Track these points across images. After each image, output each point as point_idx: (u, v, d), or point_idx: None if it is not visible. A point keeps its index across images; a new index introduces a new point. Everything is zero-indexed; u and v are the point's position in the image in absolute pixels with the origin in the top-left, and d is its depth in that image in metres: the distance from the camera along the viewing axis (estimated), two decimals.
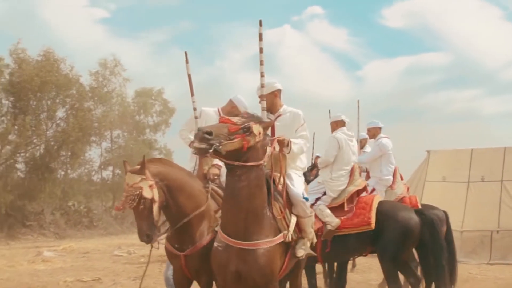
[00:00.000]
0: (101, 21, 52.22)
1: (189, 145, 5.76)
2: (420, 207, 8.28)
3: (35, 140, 26.57)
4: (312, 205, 6.98)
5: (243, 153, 4.63)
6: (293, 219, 5.18)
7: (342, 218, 7.09)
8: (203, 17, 51.83)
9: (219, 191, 5.99)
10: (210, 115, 6.54)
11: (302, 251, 5.31)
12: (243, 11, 50.32)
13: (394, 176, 8.81)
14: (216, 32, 51.21)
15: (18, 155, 26.33)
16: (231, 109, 6.50)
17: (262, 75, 5.46)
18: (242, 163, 4.66)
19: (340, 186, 7.36)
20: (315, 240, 5.68)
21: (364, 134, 10.37)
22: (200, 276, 5.76)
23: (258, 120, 4.81)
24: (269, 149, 4.99)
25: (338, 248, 7.07)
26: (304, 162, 5.74)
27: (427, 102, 47.52)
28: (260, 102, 5.54)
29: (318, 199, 7.24)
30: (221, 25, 50.59)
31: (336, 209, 7.21)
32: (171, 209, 5.54)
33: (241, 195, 4.75)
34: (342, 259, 7.95)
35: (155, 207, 5.25)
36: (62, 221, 26.51)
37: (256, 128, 4.66)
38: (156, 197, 5.24)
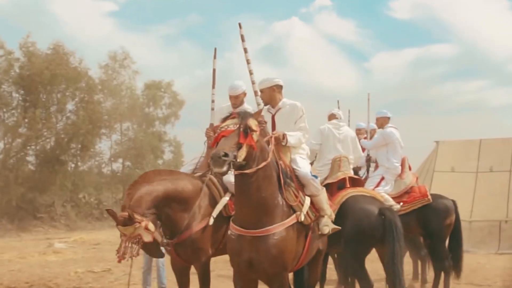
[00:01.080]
0: (110, 14, 52.39)
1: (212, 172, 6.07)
2: (429, 196, 8.38)
3: (45, 133, 26.74)
4: None
5: (253, 153, 4.74)
6: (307, 200, 5.32)
7: None
8: (211, 10, 51.80)
9: (215, 181, 6.23)
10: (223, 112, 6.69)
11: (326, 228, 5.53)
12: (251, 3, 50.29)
13: (402, 165, 8.81)
14: (224, 25, 51.20)
15: (28, 148, 26.55)
16: (234, 102, 6.72)
17: (251, 73, 5.74)
18: (256, 168, 4.78)
19: (321, 177, 6.88)
20: (333, 216, 5.81)
21: (373, 125, 10.36)
22: (193, 263, 6.10)
23: (250, 114, 4.92)
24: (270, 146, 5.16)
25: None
26: (306, 149, 5.90)
27: (435, 94, 47.43)
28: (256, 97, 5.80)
29: None
30: (230, 18, 50.48)
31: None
32: (161, 216, 5.91)
33: (250, 189, 4.85)
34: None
35: (156, 235, 5.67)
36: (73, 213, 26.71)
37: (254, 123, 4.78)
38: (153, 229, 5.55)
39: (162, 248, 5.99)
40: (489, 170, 14.65)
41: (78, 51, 27.40)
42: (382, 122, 9.24)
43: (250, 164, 4.75)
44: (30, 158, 27.34)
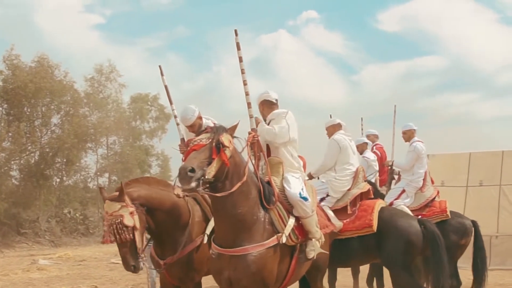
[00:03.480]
0: (96, 27, 52.17)
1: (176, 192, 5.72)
2: (448, 213, 8.27)
3: (29, 147, 26.39)
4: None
5: (225, 169, 4.63)
6: (291, 221, 5.11)
7: (345, 221, 6.98)
8: (198, 22, 51.81)
9: (206, 197, 5.90)
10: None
11: (312, 253, 5.34)
12: (238, 16, 50.31)
13: (424, 179, 8.72)
14: (212, 37, 51.20)
15: (12, 162, 26.15)
16: (191, 131, 6.29)
17: (244, 83, 5.49)
18: (228, 192, 4.68)
19: (343, 187, 7.24)
20: (323, 240, 5.60)
21: (363, 139, 10.27)
22: (186, 283, 5.82)
23: (224, 129, 4.78)
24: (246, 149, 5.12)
25: (339, 253, 6.85)
26: (299, 161, 5.68)
27: (423, 106, 47.50)
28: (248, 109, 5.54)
29: (322, 199, 7.12)
30: (217, 30, 50.50)
31: (339, 212, 7.09)
32: (153, 228, 5.59)
33: (225, 206, 4.77)
34: (343, 265, 7.84)
35: (138, 234, 5.20)
36: (58, 228, 26.29)
37: (226, 138, 4.66)
38: (138, 224, 5.19)
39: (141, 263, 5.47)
40: (479, 184, 14.50)
41: (64, 64, 27.14)
42: (410, 135, 9.17)
43: (223, 181, 4.67)
44: (14, 173, 27.01)
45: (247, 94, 5.44)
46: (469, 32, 49.58)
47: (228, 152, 4.60)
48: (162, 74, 6.78)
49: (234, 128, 4.90)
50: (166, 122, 34.08)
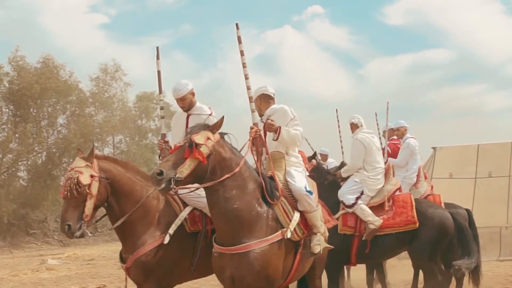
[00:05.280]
0: (102, 27, 52.14)
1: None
2: (443, 206, 8.15)
3: (36, 148, 26.46)
4: (354, 204, 7.07)
5: (206, 166, 4.59)
6: (296, 216, 5.02)
7: (383, 217, 7.11)
8: (203, 20, 51.63)
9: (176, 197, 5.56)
10: (179, 119, 6.14)
11: (318, 247, 5.23)
12: (243, 13, 50.16)
13: (418, 175, 8.73)
14: (217, 35, 51.08)
15: (19, 163, 26.27)
16: (181, 105, 5.96)
17: (246, 77, 5.39)
18: (217, 181, 4.65)
19: (377, 185, 7.33)
20: (327, 234, 5.55)
21: (325, 149, 10.27)
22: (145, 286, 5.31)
23: (201, 128, 4.73)
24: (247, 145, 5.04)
25: (376, 249, 7.07)
26: (299, 157, 5.59)
27: (431, 99, 47.31)
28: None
29: (358, 198, 7.18)
30: (222, 27, 50.36)
31: (375, 209, 7.18)
32: (115, 212, 5.26)
33: (218, 202, 4.73)
34: (378, 261, 7.95)
35: (90, 202, 4.95)
36: None
37: (200, 137, 4.59)
38: (94, 191, 4.97)
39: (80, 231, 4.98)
40: (488, 175, 14.42)
41: (69, 65, 27.30)
42: (403, 132, 9.25)
43: (211, 178, 4.65)
44: (22, 174, 27.12)
45: (248, 88, 5.36)
46: (475, 23, 49.29)
47: (205, 150, 4.55)
48: (157, 58, 6.23)
49: (217, 124, 4.83)
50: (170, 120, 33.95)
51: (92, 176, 4.96)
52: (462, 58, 48.48)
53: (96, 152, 5.28)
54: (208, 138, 4.65)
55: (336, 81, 49.47)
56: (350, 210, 7.11)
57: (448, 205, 8.26)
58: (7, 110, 25.80)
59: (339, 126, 9.47)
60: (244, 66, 5.41)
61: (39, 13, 43.52)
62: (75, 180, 4.87)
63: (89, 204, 4.94)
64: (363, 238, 7.01)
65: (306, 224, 5.13)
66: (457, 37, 51.67)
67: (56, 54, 28.48)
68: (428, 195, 8.55)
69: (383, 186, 7.35)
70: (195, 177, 4.58)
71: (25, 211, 25.21)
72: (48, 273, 14.05)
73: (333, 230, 6.74)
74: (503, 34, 48.16)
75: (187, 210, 5.55)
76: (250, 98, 5.39)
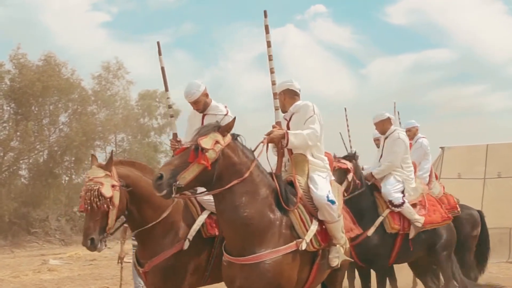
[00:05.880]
0: (103, 25, 52.09)
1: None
2: (459, 208, 8.15)
3: (38, 146, 26.32)
4: (402, 203, 6.96)
5: (212, 172, 4.25)
6: (313, 226, 4.67)
7: (420, 215, 7.13)
8: (205, 18, 51.51)
9: (193, 198, 5.32)
10: (194, 118, 5.85)
11: (336, 260, 4.88)
12: (245, 11, 50.02)
13: (430, 175, 8.56)
14: (218, 34, 50.91)
15: (21, 161, 26.12)
16: (196, 108, 5.73)
17: (272, 71, 5.02)
18: (223, 188, 4.31)
19: (413, 184, 7.35)
20: (347, 246, 5.19)
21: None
22: None
23: (211, 129, 4.39)
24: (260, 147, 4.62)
25: (415, 247, 7.09)
26: (325, 160, 5.16)
27: (432, 99, 47.18)
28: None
29: (403, 197, 7.10)
30: (224, 26, 50.21)
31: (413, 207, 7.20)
32: (136, 221, 5.00)
33: (226, 210, 4.40)
34: (411, 260, 7.70)
35: (112, 213, 4.65)
36: (68, 227, 26.17)
37: (208, 141, 4.26)
38: (116, 201, 4.67)
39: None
40: (497, 175, 14.18)
41: (70, 63, 27.00)
42: (414, 132, 9.09)
43: (218, 184, 4.31)
44: (23, 172, 27.03)
45: (273, 83, 4.98)
46: (477, 23, 49.28)
47: (211, 155, 4.21)
48: (159, 53, 5.97)
49: (228, 126, 4.47)
50: (175, 118, 33.79)
51: (113, 186, 4.67)
52: (464, 58, 48.44)
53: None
54: (217, 142, 4.31)
55: (338, 81, 49.29)
56: (398, 210, 6.98)
57: (461, 207, 8.18)
58: (9, 108, 25.67)
59: (348, 126, 9.24)
60: (270, 58, 5.03)
61: (40, 11, 43.36)
62: (96, 192, 4.56)
63: (112, 216, 4.65)
64: (410, 237, 6.96)
65: (325, 235, 4.79)
66: (459, 37, 51.68)
67: (57, 52, 28.12)
68: (441, 197, 8.34)
69: (416, 185, 7.38)
70: (200, 182, 4.27)
71: (27, 210, 25.07)
72: (49, 274, 13.86)
73: (381, 230, 6.87)
74: (504, 34, 48.21)
75: (205, 214, 5.32)
76: (275, 94, 5.00)
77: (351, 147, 9.05)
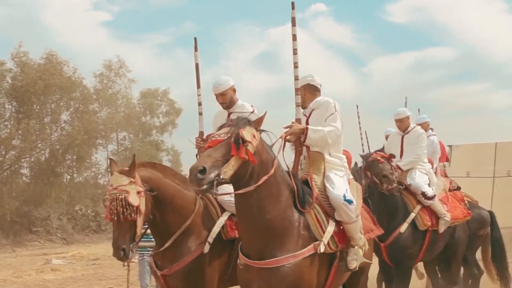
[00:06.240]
0: (104, 24, 52.04)
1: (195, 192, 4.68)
2: (466, 202, 8.03)
3: (39, 145, 26.15)
4: (434, 196, 6.91)
5: (247, 167, 4.01)
6: (330, 227, 4.48)
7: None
8: (206, 17, 51.39)
9: (212, 198, 5.17)
10: (220, 117, 5.55)
11: (354, 262, 4.67)
12: (246, 11, 49.93)
13: (435, 172, 8.38)
14: (219, 33, 50.78)
15: (22, 160, 25.94)
16: (221, 100, 5.57)
17: (295, 66, 4.86)
18: (253, 186, 4.05)
19: (435, 179, 7.37)
20: (367, 247, 4.95)
21: (392, 130, 9.82)
22: None
23: (247, 122, 4.17)
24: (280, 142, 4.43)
25: (440, 243, 7.16)
26: (343, 158, 4.96)
27: (434, 97, 46.99)
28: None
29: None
30: (225, 26, 50.09)
31: None
32: (158, 224, 4.80)
33: (251, 211, 4.16)
34: (432, 257, 7.60)
35: (140, 220, 4.46)
36: (70, 226, 26.02)
37: (248, 133, 4.04)
38: (143, 208, 4.47)
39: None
40: (507, 174, 13.99)
41: (71, 61, 26.82)
42: (425, 128, 8.90)
43: (247, 182, 4.05)
44: (25, 171, 26.89)
45: (296, 78, 4.83)
46: (479, 22, 49.27)
47: (251, 148, 3.99)
48: (195, 49, 5.85)
49: (259, 120, 4.27)
50: (176, 117, 33.75)
51: (138, 193, 4.44)
52: (466, 56, 48.39)
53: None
54: (254, 136, 4.08)
55: (339, 79, 49.02)
56: (430, 202, 6.90)
57: (471, 206, 8.06)
58: (10, 106, 25.48)
59: (359, 123, 9.12)
60: (294, 52, 4.91)
61: (41, 10, 43.28)
62: (123, 202, 4.33)
63: (140, 223, 4.46)
64: (440, 232, 6.94)
65: (342, 236, 4.60)
66: (460, 35, 51.68)
67: (58, 51, 27.98)
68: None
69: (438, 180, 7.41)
70: (234, 179, 3.98)
71: (28, 209, 24.90)
72: (52, 274, 13.68)
73: (412, 227, 6.76)
74: (506, 33, 48.31)
75: (225, 216, 5.13)
76: (297, 89, 4.82)
77: (362, 144, 8.93)
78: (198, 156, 5.44)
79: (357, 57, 53.49)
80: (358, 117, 9.18)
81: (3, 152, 25.06)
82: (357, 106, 9.23)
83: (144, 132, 32.91)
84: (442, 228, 6.90)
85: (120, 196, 4.34)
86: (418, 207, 6.86)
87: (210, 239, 4.96)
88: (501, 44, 48.25)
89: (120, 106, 30.48)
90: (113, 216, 4.33)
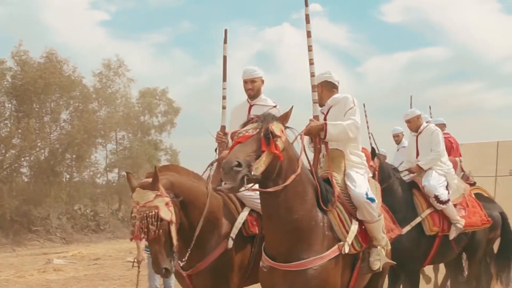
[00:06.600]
0: (102, 24, 51.94)
1: (216, 190, 4.54)
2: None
3: (39, 144, 26.01)
4: (448, 200, 6.68)
5: (276, 164, 3.90)
6: (353, 227, 4.40)
7: (460, 216, 6.86)
8: (203, 17, 51.38)
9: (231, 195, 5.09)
10: (238, 111, 5.59)
11: (377, 263, 4.58)
12: (243, 10, 49.88)
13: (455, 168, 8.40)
14: (216, 32, 50.79)
15: (22, 159, 25.79)
16: (250, 87, 5.50)
17: (311, 63, 4.81)
18: (283, 185, 3.94)
19: (455, 180, 7.13)
20: (389, 247, 4.92)
21: (399, 128, 9.81)
22: None
23: (274, 117, 4.04)
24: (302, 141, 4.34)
25: (450, 249, 6.91)
26: (362, 156, 4.89)
27: (428, 97, 46.98)
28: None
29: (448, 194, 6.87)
30: (221, 25, 50.04)
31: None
32: (184, 226, 4.67)
33: (278, 211, 4.06)
34: (445, 261, 7.62)
35: (173, 230, 4.34)
36: (69, 225, 25.92)
37: (277, 127, 3.93)
38: (174, 218, 4.35)
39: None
40: (509, 173, 13.96)
41: (71, 60, 26.68)
42: (442, 128, 8.80)
43: (275, 179, 3.93)
44: (24, 170, 26.74)
45: (312, 75, 4.78)
46: (473, 21, 49.46)
47: (280, 144, 3.86)
48: (225, 41, 5.76)
49: (286, 116, 4.15)
50: (175, 116, 33.70)
51: (167, 204, 4.31)
52: (460, 56, 48.54)
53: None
54: (282, 131, 3.98)
55: None
56: (443, 207, 6.65)
57: (484, 207, 7.90)
58: (10, 105, 25.34)
59: (367, 122, 9.09)
60: (309, 49, 4.81)
61: (40, 9, 43.18)
62: (154, 218, 4.19)
63: (174, 233, 4.34)
64: (450, 238, 6.71)
65: (365, 236, 4.52)
66: (454, 35, 51.85)
67: (57, 50, 27.84)
68: None
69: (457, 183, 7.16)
70: (263, 176, 3.83)
71: (28, 208, 24.77)
72: (55, 274, 13.62)
73: (418, 230, 6.57)
74: (500, 32, 48.34)
75: (246, 211, 5.05)
76: (313, 86, 4.77)
77: (370, 143, 8.88)
78: (217, 151, 5.38)
79: (352, 57, 53.67)
80: (366, 116, 9.13)
81: (3, 151, 24.94)
82: (364, 105, 9.18)
83: (142, 131, 32.80)
84: (452, 235, 6.68)
85: (151, 213, 4.19)
86: (428, 211, 6.67)
87: (233, 234, 4.87)
88: (495, 44, 48.46)
89: (119, 105, 30.38)
90: (144, 234, 4.20)
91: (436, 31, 51.54)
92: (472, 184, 8.22)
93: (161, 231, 4.22)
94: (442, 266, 8.48)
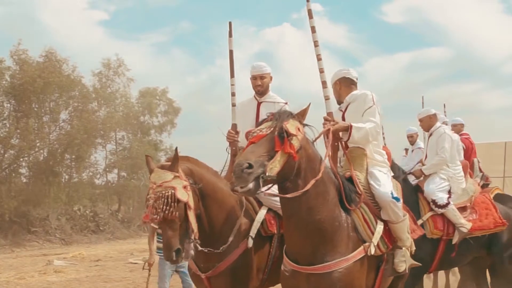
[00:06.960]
0: (101, 23, 51.74)
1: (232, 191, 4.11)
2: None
3: (38, 144, 25.75)
4: (447, 204, 6.47)
5: (293, 164, 3.73)
6: (379, 227, 4.23)
7: (468, 219, 6.61)
8: (202, 17, 51.28)
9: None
10: (245, 107, 5.51)
11: (403, 265, 4.44)
12: (242, 10, 49.76)
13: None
14: (215, 32, 50.64)
15: (21, 159, 25.50)
16: (259, 83, 5.38)
17: (318, 58, 4.73)
18: (301, 191, 3.77)
19: (463, 184, 6.87)
20: (413, 248, 4.75)
21: (414, 128, 9.64)
22: None
23: (290, 115, 3.87)
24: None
25: (459, 253, 6.62)
26: (384, 154, 4.75)
27: (429, 98, 46.76)
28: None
29: (449, 197, 6.64)
30: (221, 25, 50.01)
31: (460, 210, 6.67)
32: (202, 220, 4.45)
33: (299, 212, 3.89)
34: (455, 266, 7.52)
35: (191, 215, 4.11)
36: (68, 226, 25.67)
37: (292, 126, 3.75)
38: (192, 203, 4.12)
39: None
40: None
41: (70, 60, 26.45)
42: (459, 129, 9.02)
43: (294, 180, 3.78)
44: (23, 170, 26.42)
45: (321, 71, 4.68)
46: (474, 22, 49.45)
47: (296, 142, 3.69)
48: (230, 35, 5.58)
49: (303, 113, 3.97)
50: (175, 116, 33.51)
51: (185, 187, 4.10)
52: (461, 57, 48.51)
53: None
54: (298, 129, 3.80)
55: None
56: (441, 211, 6.49)
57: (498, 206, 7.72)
58: (9, 105, 25.02)
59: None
60: (315, 45, 4.75)
61: (39, 9, 43.01)
62: (170, 199, 3.97)
63: (192, 218, 4.12)
64: (453, 242, 6.47)
65: (390, 236, 4.35)
66: (455, 35, 51.79)
67: (56, 50, 27.60)
68: None
69: (466, 186, 6.89)
70: (281, 177, 3.69)
71: (27, 209, 24.52)
72: (56, 276, 13.40)
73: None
74: (501, 33, 48.36)
75: (264, 210, 4.88)
76: (323, 82, 4.64)
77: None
78: (228, 150, 5.22)
79: (352, 57, 53.49)
80: None
81: (2, 151, 24.68)
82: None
83: (142, 131, 32.57)
84: (455, 239, 6.48)
85: (167, 193, 3.99)
86: (429, 214, 6.53)
87: (252, 233, 4.71)
88: (496, 44, 48.42)
89: (119, 105, 30.18)
90: (157, 215, 3.97)
91: (437, 31, 51.55)
92: (486, 185, 8.00)
93: (176, 213, 4.00)
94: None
